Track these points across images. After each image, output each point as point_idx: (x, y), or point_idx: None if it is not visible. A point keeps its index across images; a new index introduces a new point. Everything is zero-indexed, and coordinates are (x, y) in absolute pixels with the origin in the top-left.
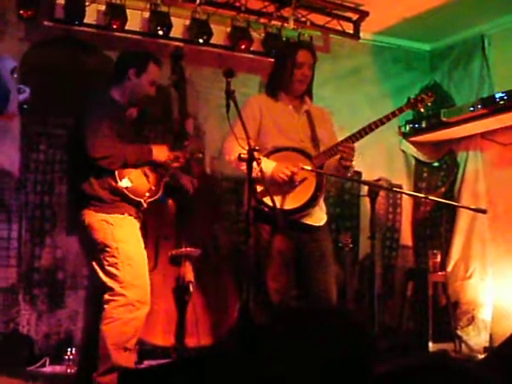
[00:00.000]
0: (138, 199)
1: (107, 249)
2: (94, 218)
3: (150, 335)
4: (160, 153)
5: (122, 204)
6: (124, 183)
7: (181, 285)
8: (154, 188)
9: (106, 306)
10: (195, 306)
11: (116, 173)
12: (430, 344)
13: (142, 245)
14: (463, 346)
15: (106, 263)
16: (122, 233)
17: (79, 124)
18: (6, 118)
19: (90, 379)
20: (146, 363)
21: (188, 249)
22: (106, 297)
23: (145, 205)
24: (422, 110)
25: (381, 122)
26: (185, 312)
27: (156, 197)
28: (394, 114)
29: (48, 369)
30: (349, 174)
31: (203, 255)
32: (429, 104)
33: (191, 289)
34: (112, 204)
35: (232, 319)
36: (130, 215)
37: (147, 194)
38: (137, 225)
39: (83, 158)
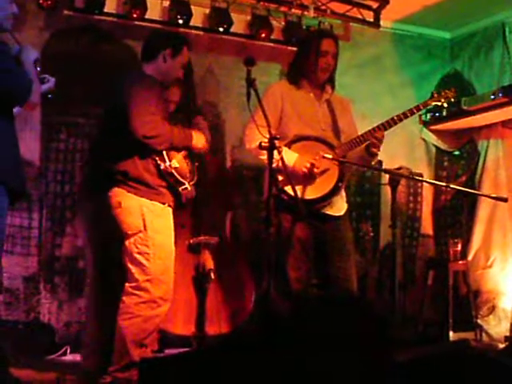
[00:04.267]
0: (184, 181)
1: (141, 235)
2: (132, 201)
3: (170, 324)
4: (199, 140)
5: (165, 191)
6: (173, 164)
7: (201, 273)
8: (191, 172)
9: (124, 299)
10: (216, 294)
11: (164, 153)
12: (451, 333)
13: (173, 239)
14: (484, 335)
15: (135, 250)
16: (160, 223)
17: (121, 102)
18: (28, 109)
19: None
20: (167, 352)
21: (206, 237)
22: (128, 289)
23: (189, 187)
24: (445, 105)
25: (404, 116)
26: (205, 300)
27: (194, 181)
28: (417, 108)
29: (69, 357)
30: (373, 163)
31: (220, 243)
32: (452, 100)
33: (212, 276)
34: (155, 190)
35: (249, 307)
36: (169, 206)
37: (188, 177)
38: (172, 217)
39: (126, 137)
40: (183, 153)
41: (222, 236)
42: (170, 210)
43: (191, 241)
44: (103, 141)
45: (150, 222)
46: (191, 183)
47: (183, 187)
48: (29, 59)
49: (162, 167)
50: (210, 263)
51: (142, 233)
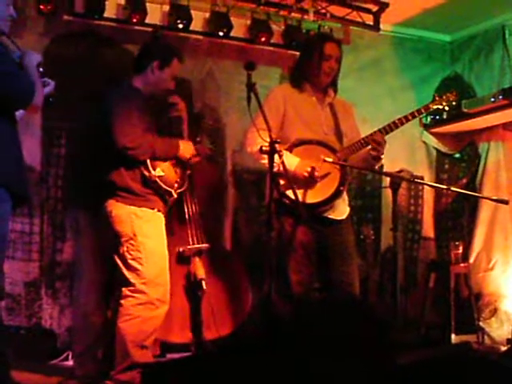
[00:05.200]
0: (170, 189)
1: (132, 242)
2: (122, 210)
3: (166, 334)
4: (186, 149)
5: (153, 198)
6: (157, 172)
7: (192, 282)
8: (180, 180)
9: (122, 302)
10: (211, 299)
11: (148, 162)
12: (453, 336)
13: (166, 242)
14: (486, 337)
15: (129, 257)
16: (150, 228)
17: (105, 114)
18: (31, 112)
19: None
20: (169, 356)
21: (196, 246)
22: (126, 292)
23: (175, 195)
24: (446, 108)
25: (406, 119)
26: (200, 307)
27: (183, 188)
28: (419, 112)
29: (70, 362)
30: (377, 166)
31: (212, 248)
32: (454, 102)
33: (204, 286)
34: (143, 197)
35: (246, 309)
36: (159, 211)
37: (176, 185)
38: (163, 221)
39: (111, 148)
40: (172, 160)
41: (217, 240)
42: (161, 214)
43: (180, 249)
44: (92, 152)
45: (139, 228)
46: (178, 191)
47: (169, 195)
48: (31, 63)
49: (146, 176)
50: (200, 272)
51: (133, 239)
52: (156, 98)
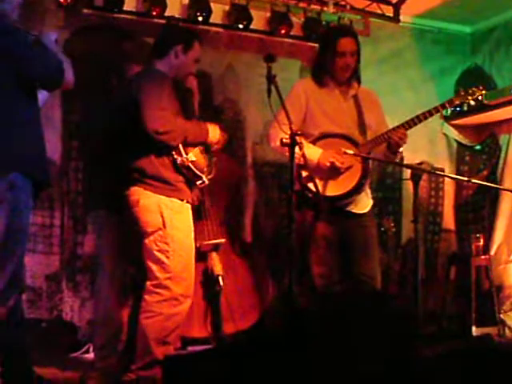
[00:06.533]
0: (201, 175)
1: (161, 233)
2: (150, 199)
3: (186, 329)
4: (214, 133)
5: (183, 187)
6: (190, 157)
7: (210, 277)
8: (208, 167)
9: (146, 297)
10: (229, 293)
11: (181, 147)
12: (474, 328)
13: (193, 235)
14: (507, 330)
15: (155, 248)
16: (179, 220)
17: (133, 101)
18: (65, 87)
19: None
20: (190, 349)
21: (213, 241)
22: (150, 287)
23: (206, 181)
24: (471, 102)
25: (430, 114)
26: (218, 303)
27: (212, 175)
28: (443, 106)
29: (91, 355)
30: (396, 160)
31: (232, 241)
32: (479, 98)
33: (221, 282)
34: (173, 186)
35: (267, 301)
36: (188, 202)
37: (206, 171)
38: (191, 213)
39: (140, 134)
40: (200, 147)
41: (237, 233)
42: (189, 206)
43: (197, 244)
44: (116, 140)
45: (168, 219)
46: (208, 177)
47: (200, 181)
48: (51, 41)
49: (179, 161)
50: (218, 268)
51: (162, 230)
52: (177, 81)
